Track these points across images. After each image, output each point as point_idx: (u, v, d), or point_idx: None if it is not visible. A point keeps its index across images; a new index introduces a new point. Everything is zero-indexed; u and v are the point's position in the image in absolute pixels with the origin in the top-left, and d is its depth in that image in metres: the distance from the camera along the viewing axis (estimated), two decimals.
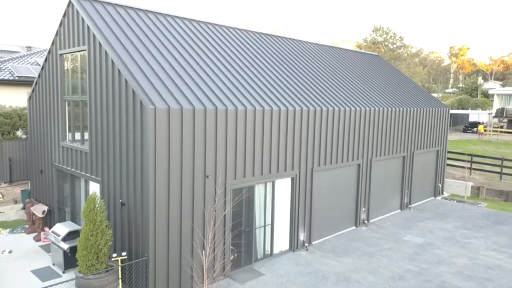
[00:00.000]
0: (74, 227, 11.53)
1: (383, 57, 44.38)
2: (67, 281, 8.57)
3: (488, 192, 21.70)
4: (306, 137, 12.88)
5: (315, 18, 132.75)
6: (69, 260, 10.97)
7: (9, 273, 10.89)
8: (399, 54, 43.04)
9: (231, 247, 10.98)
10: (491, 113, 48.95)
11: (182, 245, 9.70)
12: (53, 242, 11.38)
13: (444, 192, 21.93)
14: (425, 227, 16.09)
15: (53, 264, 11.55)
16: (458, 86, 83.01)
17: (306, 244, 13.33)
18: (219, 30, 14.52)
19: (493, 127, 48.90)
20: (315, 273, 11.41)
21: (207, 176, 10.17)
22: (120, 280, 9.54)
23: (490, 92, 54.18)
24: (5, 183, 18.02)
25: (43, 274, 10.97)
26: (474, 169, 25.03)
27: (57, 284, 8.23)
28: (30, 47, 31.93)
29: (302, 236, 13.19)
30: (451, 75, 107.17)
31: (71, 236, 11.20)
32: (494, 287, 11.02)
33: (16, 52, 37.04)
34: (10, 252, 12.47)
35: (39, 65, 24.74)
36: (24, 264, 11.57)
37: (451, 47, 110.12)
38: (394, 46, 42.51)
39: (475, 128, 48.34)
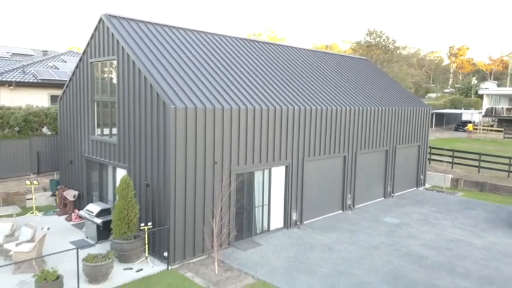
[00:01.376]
0: (104, 206, 13.90)
1: (377, 59, 46.82)
2: (106, 241, 10.93)
3: (465, 184, 24.04)
4: (298, 131, 15.23)
5: (315, 18, 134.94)
6: (101, 233, 13.31)
7: (52, 243, 13.22)
8: (391, 56, 45.37)
9: (235, 227, 13.33)
10: (481, 113, 51.22)
11: (196, 216, 12.08)
12: (87, 219, 13.75)
13: (426, 184, 24.25)
14: (403, 211, 18.44)
15: (86, 237, 13.88)
16: (455, 86, 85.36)
17: (298, 223, 15.69)
18: (224, 41, 16.87)
19: (483, 126, 51.17)
20: (304, 244, 13.77)
21: (216, 162, 12.52)
22: (146, 244, 11.91)
23: (479, 92, 56.41)
24: (33, 174, 20.33)
25: (80, 244, 13.29)
26: (456, 163, 27.37)
27: (98, 243, 10.57)
28: (47, 51, 34.23)
29: (295, 216, 15.55)
30: (451, 75, 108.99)
31: (103, 213, 13.56)
32: (452, 254, 13.37)
33: (30, 55, 39.43)
34: (48, 228, 14.80)
35: (58, 69, 27.12)
36: (63, 238, 13.90)
37: (450, 47, 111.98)
38: (387, 49, 44.86)
39: (466, 127, 50.63)
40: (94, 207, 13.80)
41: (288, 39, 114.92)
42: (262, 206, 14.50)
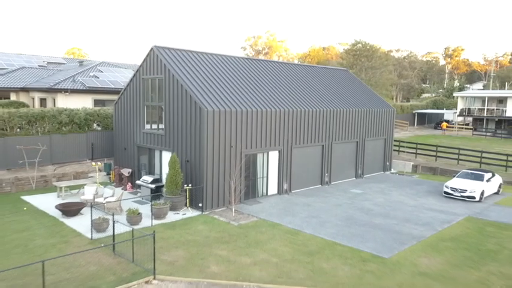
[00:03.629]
0: (154, 176, 20.36)
1: (362, 66, 53.36)
2: (157, 191, 17.36)
3: (422, 169, 30.51)
4: (288, 126, 21.67)
5: (314, 20, 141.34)
6: (153, 195, 19.71)
7: (123, 204, 19.60)
8: (375, 63, 51.94)
9: (244, 188, 19.77)
10: (456, 112, 57.70)
11: (220, 180, 18.55)
12: (143, 185, 20.20)
13: (392, 169, 30.68)
14: (367, 186, 24.87)
15: (142, 198, 20.28)
16: (444, 87, 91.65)
17: (288, 191, 22.14)
18: (237, 61, 23.33)
19: (458, 124, 57.60)
20: (291, 203, 20.24)
21: (231, 146, 18.97)
22: (187, 199, 18.36)
23: (454, 94, 62.74)
24: (88, 159, 26.76)
25: (139, 202, 19.72)
26: (419, 154, 33.84)
27: (157, 193, 16.98)
28: (82, 62, 40.66)
29: (285, 186, 22.01)
30: (446, 75, 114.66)
31: (154, 181, 20.03)
32: (390, 209, 19.80)
33: (63, 64, 45.88)
34: (113, 195, 21.21)
35: (98, 78, 33.58)
36: (128, 200, 20.30)
37: (445, 48, 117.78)
38: (370, 57, 51.41)
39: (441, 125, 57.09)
40: (148, 178, 20.28)
41: (287, 41, 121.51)
42: (262, 177, 20.97)
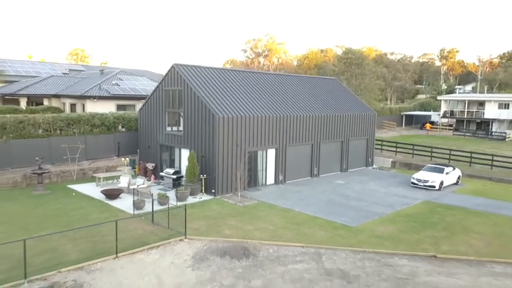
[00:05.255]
0: (175, 169, 25.29)
1: (353, 73, 58.37)
2: (177, 181, 22.33)
3: (400, 164, 35.45)
4: (283, 128, 26.59)
5: (312, 23, 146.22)
6: (174, 184, 24.60)
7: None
8: (364, 70, 57.01)
9: (248, 177, 24.70)
10: (440, 114, 62.68)
11: (228, 171, 23.49)
12: (165, 176, 25.14)
13: (374, 165, 35.59)
14: (349, 178, 29.80)
15: (164, 187, 25.17)
16: (436, 89, 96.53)
17: (283, 181, 27.08)
18: (241, 74, 28.24)
19: (443, 125, 62.55)
20: (285, 190, 25.18)
21: (237, 145, 23.91)
22: (203, 186, 23.30)
23: (438, 97, 67.67)
24: (115, 156, 31.63)
25: (162, 189, 24.60)
26: (398, 151, 38.78)
27: (181, 182, 21.92)
28: (103, 70, 45.50)
29: (280, 177, 26.95)
30: (442, 76, 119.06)
31: (175, 173, 24.95)
32: (365, 195, 24.70)
33: (82, 71, 50.77)
34: (143, 183, 26.09)
35: (119, 85, 38.50)
36: (158, 187, 25.19)
37: (441, 50, 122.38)
38: (360, 65, 56.45)
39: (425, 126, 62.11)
40: (170, 170, 25.24)
41: (286, 44, 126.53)
42: (262, 170, 25.92)
